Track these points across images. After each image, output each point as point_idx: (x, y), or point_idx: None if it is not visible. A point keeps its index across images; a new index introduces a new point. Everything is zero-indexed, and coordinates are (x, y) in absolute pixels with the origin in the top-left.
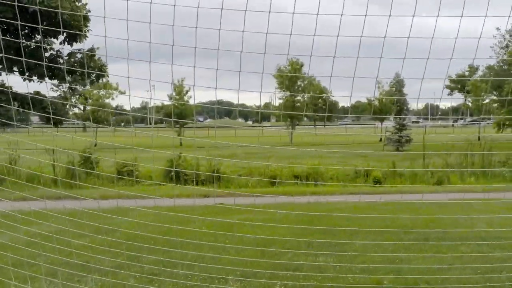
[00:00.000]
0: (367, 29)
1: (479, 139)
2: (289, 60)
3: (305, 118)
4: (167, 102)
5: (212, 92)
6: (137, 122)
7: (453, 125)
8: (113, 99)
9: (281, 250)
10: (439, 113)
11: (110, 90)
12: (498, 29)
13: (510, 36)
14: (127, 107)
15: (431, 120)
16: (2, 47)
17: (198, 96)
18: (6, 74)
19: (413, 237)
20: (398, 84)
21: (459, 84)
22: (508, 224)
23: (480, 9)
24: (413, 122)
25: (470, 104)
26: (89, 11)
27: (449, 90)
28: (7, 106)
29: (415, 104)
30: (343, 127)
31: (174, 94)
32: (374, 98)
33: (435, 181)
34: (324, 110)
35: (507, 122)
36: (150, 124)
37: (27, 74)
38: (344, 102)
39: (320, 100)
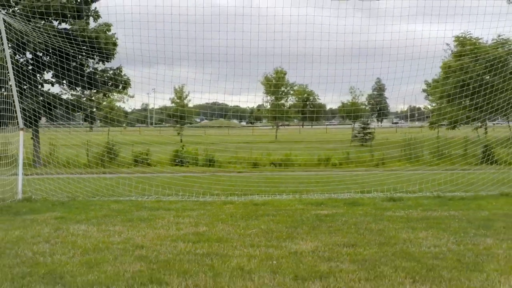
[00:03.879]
0: (355, 36)
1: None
2: (274, 69)
3: (295, 120)
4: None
5: (208, 95)
6: (138, 122)
7: (422, 126)
8: (124, 102)
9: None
10: (416, 114)
11: (122, 95)
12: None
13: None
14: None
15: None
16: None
17: (196, 99)
18: (60, 86)
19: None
20: (379, 88)
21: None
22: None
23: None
24: (393, 123)
25: (430, 107)
26: (117, 38)
27: (425, 94)
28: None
29: (395, 106)
30: (323, 127)
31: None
32: (348, 101)
33: (375, 164)
34: (312, 111)
35: (435, 123)
36: (151, 124)
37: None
38: (331, 104)
39: (307, 102)
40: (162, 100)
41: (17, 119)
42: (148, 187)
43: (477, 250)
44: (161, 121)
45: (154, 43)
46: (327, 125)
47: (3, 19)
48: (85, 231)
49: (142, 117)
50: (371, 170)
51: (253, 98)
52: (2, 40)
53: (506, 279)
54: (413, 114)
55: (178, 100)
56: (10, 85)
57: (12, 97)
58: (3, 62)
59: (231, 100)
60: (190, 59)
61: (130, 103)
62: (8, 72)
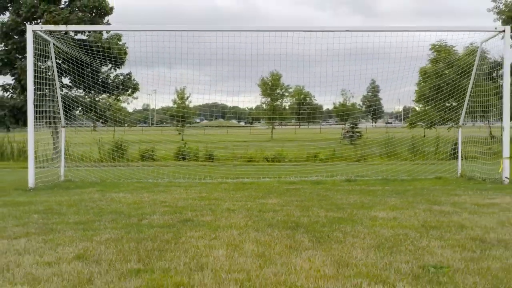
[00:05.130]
0: (353, 37)
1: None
2: (270, 72)
3: (292, 120)
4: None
5: (208, 96)
6: (140, 122)
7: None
8: (128, 103)
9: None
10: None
11: (127, 96)
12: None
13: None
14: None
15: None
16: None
17: (196, 100)
18: (76, 90)
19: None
20: (374, 89)
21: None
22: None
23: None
24: (386, 123)
25: (417, 108)
26: (127, 47)
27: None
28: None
29: (390, 106)
30: (319, 127)
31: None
32: (340, 102)
33: (356, 159)
34: (308, 112)
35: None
36: (152, 124)
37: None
38: (327, 105)
39: (303, 103)
40: (162, 101)
41: (60, 119)
42: (161, 175)
43: (376, 201)
44: (162, 121)
45: (155, 44)
46: (323, 125)
47: (53, 43)
48: (123, 196)
49: (144, 117)
50: (351, 164)
51: (251, 99)
52: (51, 55)
53: (376, 211)
54: (406, 115)
55: (179, 102)
56: (56, 92)
57: (57, 101)
58: (51, 75)
59: (232, 101)
60: (190, 60)
61: (133, 104)
62: (55, 82)
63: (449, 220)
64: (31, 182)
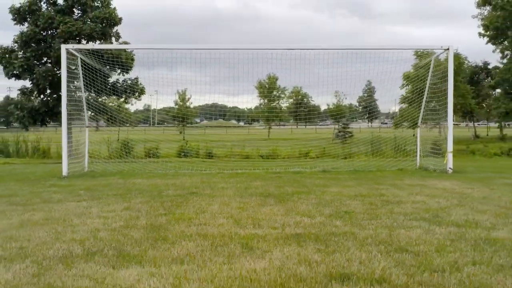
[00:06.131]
0: (350, 38)
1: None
2: (267, 75)
3: (291, 121)
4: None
5: (208, 96)
6: (141, 122)
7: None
8: (132, 104)
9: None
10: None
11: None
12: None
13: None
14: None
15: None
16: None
17: (196, 100)
18: (88, 94)
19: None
20: (370, 90)
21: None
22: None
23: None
24: (382, 123)
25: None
26: (134, 55)
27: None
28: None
29: (385, 107)
30: (313, 127)
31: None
32: (333, 104)
33: (343, 157)
34: (305, 113)
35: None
36: (153, 124)
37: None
38: (324, 105)
39: (301, 103)
40: (163, 101)
41: (84, 120)
42: (168, 167)
43: (335, 183)
44: (163, 121)
45: (155, 45)
46: (321, 125)
47: (80, 58)
48: (141, 181)
49: (146, 116)
50: (338, 161)
51: (249, 99)
52: (78, 68)
53: (330, 188)
54: (401, 115)
55: (181, 103)
56: (80, 98)
57: (82, 105)
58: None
59: (231, 101)
60: (190, 60)
61: (135, 105)
62: (81, 90)
63: (377, 192)
64: (64, 171)
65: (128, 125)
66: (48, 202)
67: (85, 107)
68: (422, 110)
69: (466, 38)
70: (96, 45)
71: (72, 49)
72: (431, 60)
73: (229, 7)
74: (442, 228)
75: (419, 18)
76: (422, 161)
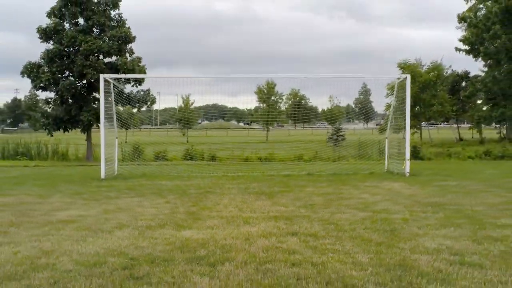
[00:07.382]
0: (349, 39)
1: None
2: (266, 81)
3: (289, 121)
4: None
5: (208, 96)
6: (143, 124)
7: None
8: (139, 111)
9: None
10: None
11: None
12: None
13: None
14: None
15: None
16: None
17: (197, 101)
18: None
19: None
20: (365, 92)
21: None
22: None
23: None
24: (376, 125)
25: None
26: (146, 67)
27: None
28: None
29: (381, 109)
30: (314, 128)
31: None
32: (328, 107)
33: (333, 160)
34: (303, 114)
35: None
36: (156, 125)
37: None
38: (322, 106)
39: (299, 105)
40: (164, 101)
41: (114, 128)
42: (182, 171)
43: (313, 184)
44: (165, 122)
45: (154, 46)
46: (317, 126)
47: (113, 84)
48: (165, 183)
49: (149, 116)
50: (327, 164)
51: (250, 100)
52: (111, 91)
53: (308, 188)
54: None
55: (184, 107)
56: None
57: (113, 119)
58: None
59: (232, 101)
60: (190, 62)
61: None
62: (112, 107)
63: (338, 191)
64: (103, 174)
65: (134, 127)
66: (109, 198)
67: (115, 119)
68: (389, 124)
69: None
70: (129, 75)
71: (110, 78)
72: (395, 84)
73: (228, 9)
74: (363, 213)
75: (417, 20)
76: (389, 165)
